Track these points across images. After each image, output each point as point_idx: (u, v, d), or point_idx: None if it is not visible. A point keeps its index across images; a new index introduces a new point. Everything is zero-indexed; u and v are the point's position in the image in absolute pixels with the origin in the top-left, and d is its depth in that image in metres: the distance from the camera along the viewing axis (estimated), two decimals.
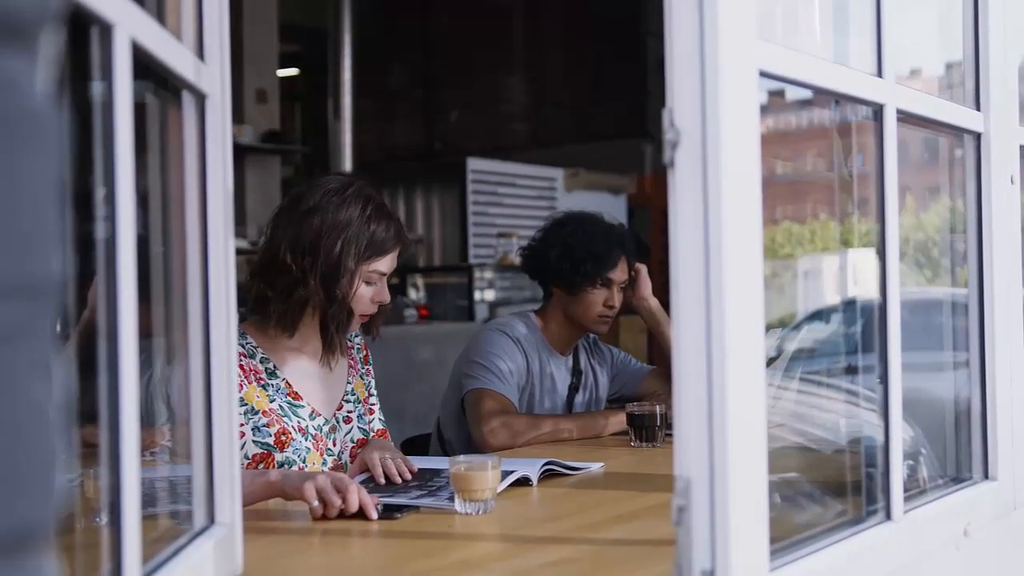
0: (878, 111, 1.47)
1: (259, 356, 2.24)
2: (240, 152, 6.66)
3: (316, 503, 1.81)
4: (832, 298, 2.33)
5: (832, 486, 1.66)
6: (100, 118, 0.94)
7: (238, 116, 6.48)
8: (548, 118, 9.13)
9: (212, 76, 1.31)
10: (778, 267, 1.64)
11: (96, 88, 0.94)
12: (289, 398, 2.24)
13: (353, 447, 2.33)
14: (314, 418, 2.26)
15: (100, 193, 0.93)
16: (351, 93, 7.88)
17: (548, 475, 2.15)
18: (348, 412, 2.35)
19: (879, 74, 1.46)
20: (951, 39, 1.82)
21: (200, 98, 1.29)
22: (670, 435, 2.44)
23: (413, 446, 3.02)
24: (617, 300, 2.92)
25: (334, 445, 2.29)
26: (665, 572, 1.18)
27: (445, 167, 8.04)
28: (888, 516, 1.46)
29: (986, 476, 1.77)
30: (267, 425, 2.18)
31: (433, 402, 3.43)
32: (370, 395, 2.44)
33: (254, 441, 2.16)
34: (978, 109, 1.77)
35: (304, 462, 2.20)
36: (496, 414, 2.71)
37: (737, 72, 1.12)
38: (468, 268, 7.05)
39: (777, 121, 1.52)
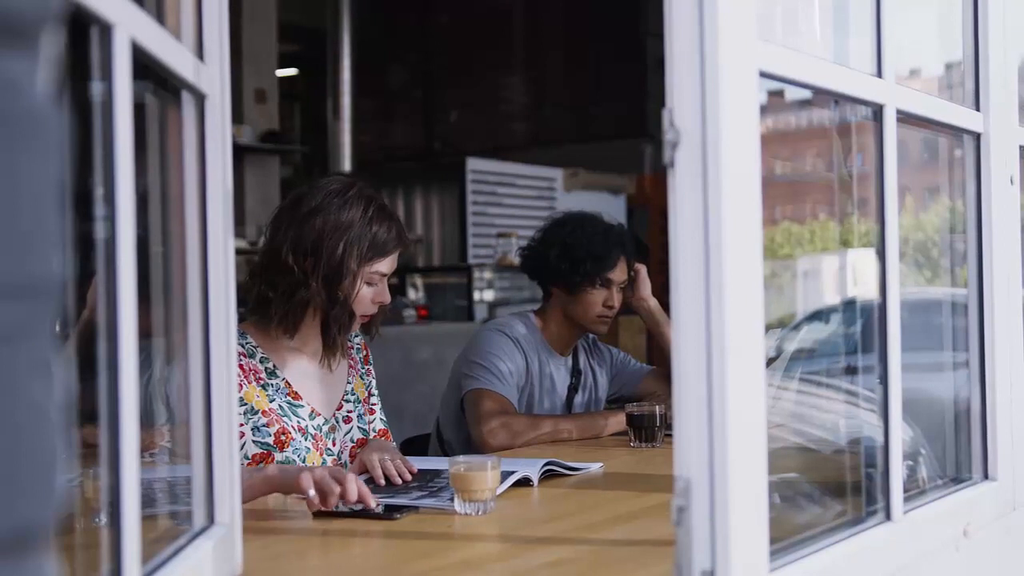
0: (878, 111, 1.47)
1: (259, 356, 2.24)
2: (239, 152, 6.66)
3: (312, 492, 1.81)
4: (832, 298, 2.33)
5: (832, 486, 1.66)
6: (100, 118, 0.94)
7: (237, 116, 6.48)
8: (548, 118, 9.14)
9: (211, 76, 1.31)
10: (778, 267, 1.64)
11: (96, 88, 0.94)
12: (289, 398, 2.24)
13: (353, 447, 2.33)
14: (314, 418, 2.26)
15: (100, 193, 0.93)
16: (350, 93, 7.88)
17: (548, 475, 2.15)
18: (348, 412, 2.35)
19: (879, 74, 1.46)
20: (951, 39, 1.82)
21: (200, 98, 1.29)
22: (670, 435, 2.44)
23: (412, 446, 3.02)
24: (616, 300, 2.92)
25: (334, 445, 2.29)
26: (665, 572, 1.18)
27: (444, 167, 8.05)
28: (888, 516, 1.46)
29: (986, 476, 1.77)
30: (267, 425, 2.18)
31: (432, 402, 3.43)
32: (371, 395, 2.44)
33: (254, 441, 2.16)
34: (978, 109, 1.77)
35: (304, 462, 2.20)
36: (495, 414, 2.71)
37: (737, 72, 1.12)
38: (467, 268, 7.05)
39: (777, 121, 1.52)
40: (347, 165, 7.83)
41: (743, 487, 1.11)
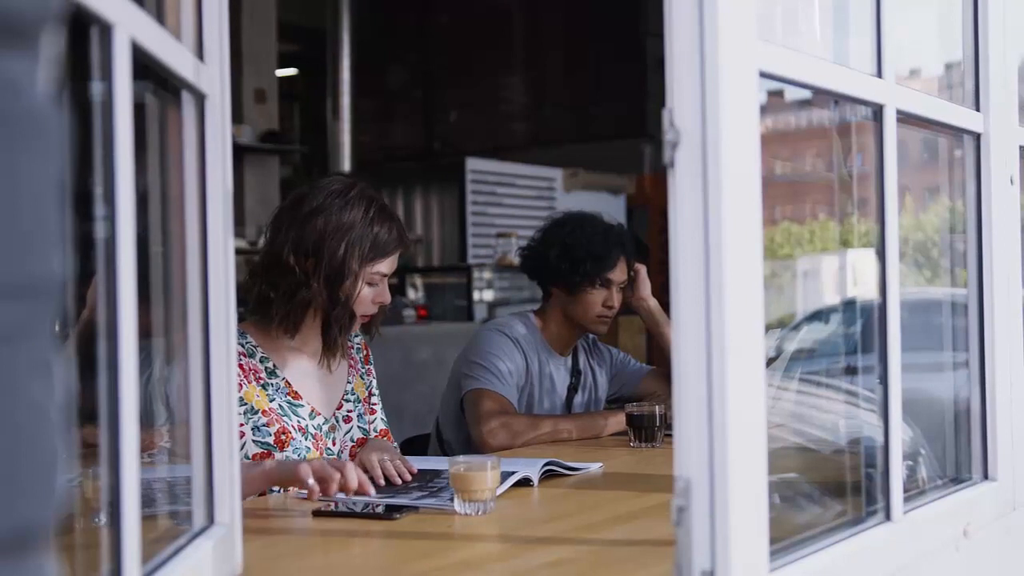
0: (878, 111, 1.47)
1: (259, 355, 2.24)
2: (239, 152, 6.66)
3: (312, 481, 1.81)
4: (832, 298, 2.33)
5: (832, 486, 1.66)
6: (100, 118, 0.94)
7: (237, 116, 6.48)
8: (548, 118, 9.13)
9: (211, 76, 1.30)
10: (777, 267, 1.64)
11: (96, 88, 0.94)
12: (289, 397, 2.24)
13: (353, 446, 2.33)
14: (314, 417, 2.26)
15: (100, 193, 0.93)
16: (350, 93, 7.88)
17: (548, 475, 2.15)
18: (348, 411, 2.35)
19: (879, 74, 1.46)
20: (951, 39, 1.82)
21: (199, 98, 1.28)
22: (669, 435, 2.44)
23: (412, 446, 3.02)
24: (616, 300, 2.92)
25: (334, 444, 2.29)
26: (665, 572, 1.18)
27: (444, 167, 8.05)
28: (888, 516, 1.46)
29: (986, 476, 1.77)
30: (267, 424, 2.18)
31: (432, 402, 3.43)
32: (371, 395, 2.45)
33: (254, 441, 2.16)
34: (978, 109, 1.77)
35: None
36: (495, 414, 2.71)
37: (737, 72, 1.12)
38: (467, 268, 7.05)
39: (777, 121, 1.52)
40: (347, 165, 7.83)
41: (743, 487, 1.11)
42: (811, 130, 1.76)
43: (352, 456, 2.30)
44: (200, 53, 1.28)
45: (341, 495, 1.94)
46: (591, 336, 3.08)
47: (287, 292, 2.20)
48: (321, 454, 2.24)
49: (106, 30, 0.93)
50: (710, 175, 1.10)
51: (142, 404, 0.99)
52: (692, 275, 1.10)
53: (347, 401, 2.36)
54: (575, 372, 3.04)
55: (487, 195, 7.53)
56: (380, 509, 1.84)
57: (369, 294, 2.25)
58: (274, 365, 2.25)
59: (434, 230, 7.87)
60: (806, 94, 1.47)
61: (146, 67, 1.08)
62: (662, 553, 1.40)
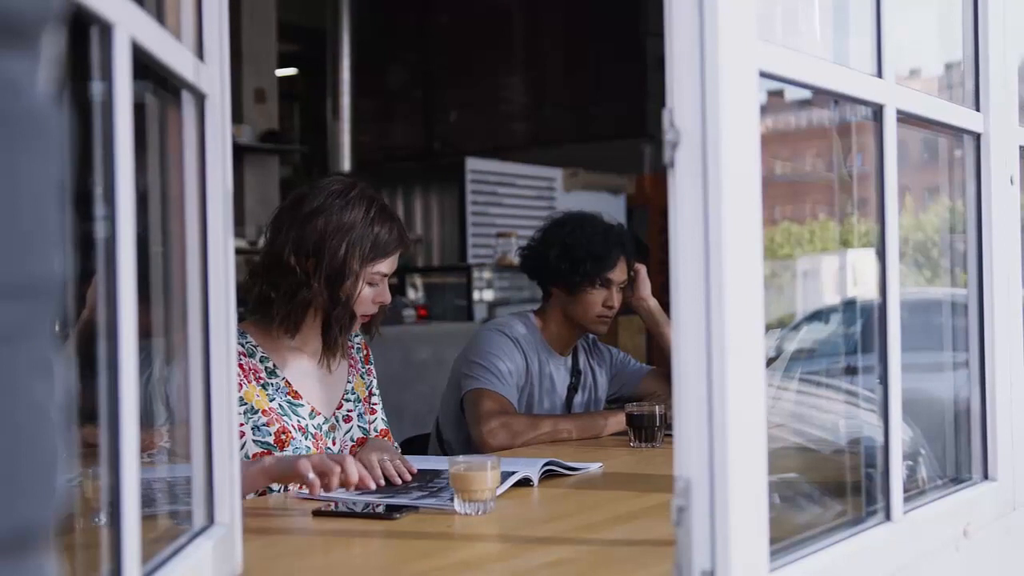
0: (878, 111, 1.47)
1: (259, 355, 2.24)
2: (239, 152, 6.66)
3: (312, 475, 1.81)
4: (831, 298, 2.33)
5: (832, 486, 1.66)
6: (100, 118, 0.94)
7: (237, 116, 6.48)
8: (548, 118, 9.13)
9: (211, 76, 1.30)
10: (777, 267, 1.64)
11: (96, 88, 0.94)
12: (289, 397, 2.24)
13: (353, 446, 2.33)
14: (314, 417, 2.26)
15: (100, 192, 0.93)
16: (350, 93, 7.88)
17: (548, 475, 2.15)
18: (348, 411, 2.36)
19: (879, 74, 1.46)
20: (951, 39, 1.82)
21: (200, 98, 1.28)
22: (670, 435, 2.44)
23: (412, 446, 3.02)
24: (616, 300, 2.92)
25: (334, 444, 2.29)
26: (665, 572, 1.18)
27: (444, 167, 8.04)
28: (888, 516, 1.46)
29: (986, 476, 1.77)
30: (267, 424, 2.18)
31: (432, 402, 3.43)
32: (371, 394, 2.45)
33: (254, 440, 2.16)
34: (978, 109, 1.77)
35: None
36: (495, 414, 2.71)
37: (737, 72, 1.12)
38: (467, 268, 7.05)
39: (777, 121, 1.52)
40: (347, 165, 7.83)
41: (743, 487, 1.11)
42: (811, 130, 1.76)
43: (352, 455, 2.30)
44: (200, 53, 1.28)
45: (341, 493, 1.94)
46: (591, 336, 3.08)
47: (288, 292, 2.20)
48: (321, 454, 2.24)
49: (106, 30, 0.93)
50: (710, 175, 1.10)
51: (142, 404, 0.99)
52: (692, 275, 1.10)
53: (347, 401, 2.36)
54: (575, 372, 3.04)
55: (487, 195, 7.53)
56: (380, 509, 1.84)
57: (369, 294, 2.26)
58: (274, 365, 2.25)
59: (434, 230, 7.87)
60: (806, 94, 1.47)
61: (146, 67, 1.08)
62: (662, 553, 1.40)
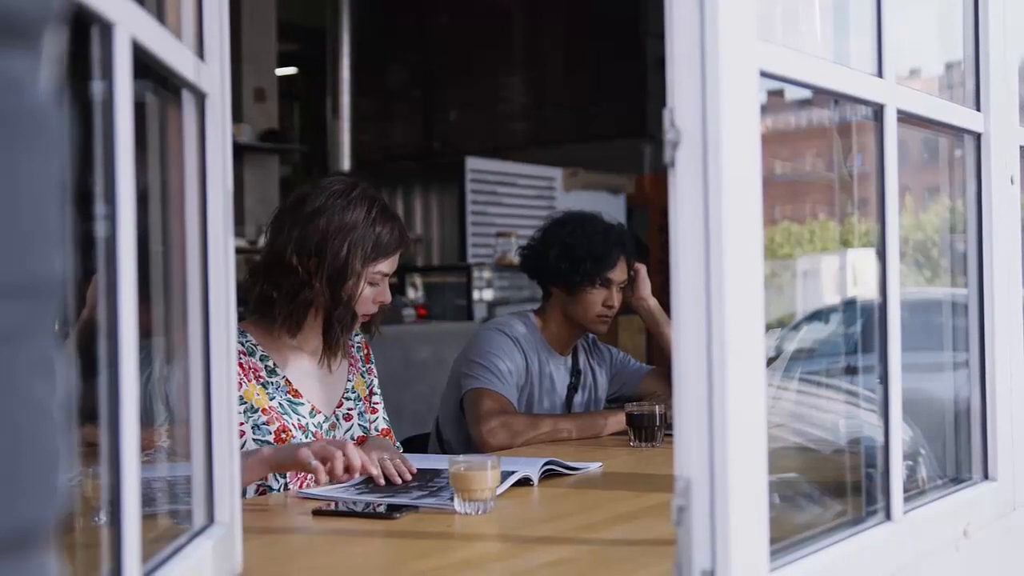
0: (878, 111, 1.46)
1: (259, 354, 2.24)
2: (239, 151, 6.66)
3: (315, 462, 1.82)
4: (832, 298, 2.33)
5: (832, 486, 1.66)
6: (100, 117, 0.94)
7: (237, 115, 6.48)
8: (548, 118, 9.13)
9: (212, 75, 1.30)
10: (777, 267, 1.64)
11: (96, 87, 0.94)
12: (289, 396, 2.24)
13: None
14: (314, 415, 2.26)
15: (100, 192, 0.93)
16: (350, 92, 7.88)
17: (548, 475, 2.15)
18: (348, 410, 2.36)
19: (879, 74, 1.46)
20: (951, 39, 1.82)
21: (200, 97, 1.28)
22: (670, 435, 2.44)
23: (412, 446, 3.02)
24: (616, 300, 2.92)
25: None
26: (665, 572, 1.18)
27: (444, 166, 8.05)
28: (888, 516, 1.46)
29: (986, 476, 1.77)
30: (267, 423, 2.18)
31: (432, 402, 3.43)
32: (372, 393, 2.45)
33: (254, 439, 2.16)
34: (978, 109, 1.77)
35: None
36: (495, 414, 2.71)
37: (737, 72, 1.12)
38: (467, 268, 7.05)
39: (777, 121, 1.52)
40: (346, 164, 7.83)
41: (743, 487, 1.11)
42: (811, 130, 1.76)
43: None
44: (200, 52, 1.28)
45: (341, 493, 1.94)
46: (591, 336, 3.09)
47: (290, 292, 2.20)
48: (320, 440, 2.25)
49: (107, 29, 0.93)
50: (710, 175, 1.10)
51: (142, 403, 0.99)
52: (692, 275, 1.10)
53: (347, 399, 2.36)
54: (575, 372, 3.04)
55: (487, 195, 7.53)
56: (380, 509, 1.84)
57: (370, 294, 2.26)
58: (274, 364, 2.25)
59: (434, 230, 7.87)
60: (806, 94, 1.47)
61: (146, 66, 1.08)
62: (662, 553, 1.40)
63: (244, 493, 2.06)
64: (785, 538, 1.25)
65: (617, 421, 2.76)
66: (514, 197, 7.63)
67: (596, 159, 8.04)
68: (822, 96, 1.52)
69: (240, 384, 2.16)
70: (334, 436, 2.30)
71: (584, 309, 2.91)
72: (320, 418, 2.27)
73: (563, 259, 2.88)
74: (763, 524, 1.15)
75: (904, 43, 1.59)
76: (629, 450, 2.57)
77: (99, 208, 0.93)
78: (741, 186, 1.12)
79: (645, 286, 3.02)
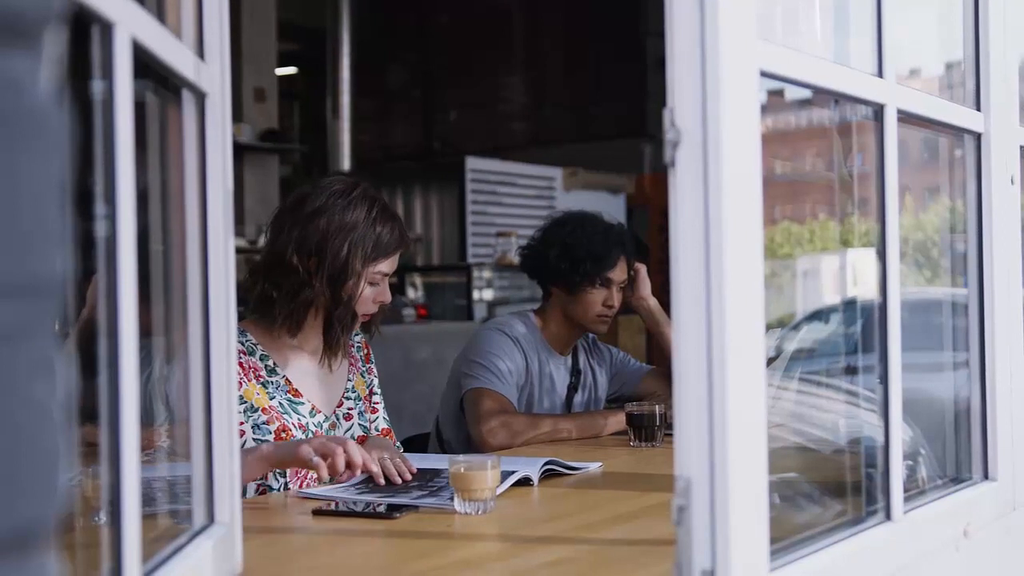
0: (878, 111, 1.46)
1: (259, 353, 2.24)
2: (239, 151, 6.66)
3: (316, 459, 1.82)
4: (832, 298, 2.33)
5: (832, 486, 1.66)
6: (101, 117, 0.94)
7: (237, 115, 6.48)
8: (548, 118, 9.14)
9: (212, 75, 1.30)
10: (777, 267, 1.64)
11: (97, 87, 0.94)
12: (289, 395, 2.24)
13: None
14: (314, 415, 2.26)
15: (100, 191, 0.93)
16: (349, 92, 7.88)
17: (548, 475, 2.15)
18: (348, 409, 2.36)
19: (879, 74, 1.46)
20: (951, 39, 1.82)
21: (200, 97, 1.28)
22: (670, 435, 2.44)
23: (412, 446, 3.02)
24: (616, 300, 2.92)
25: None
26: (665, 572, 1.18)
27: (444, 166, 8.05)
28: (888, 516, 1.46)
29: (986, 476, 1.77)
30: (267, 423, 2.18)
31: (431, 402, 3.43)
32: (372, 393, 2.45)
33: (254, 439, 2.16)
34: (978, 109, 1.77)
35: None
36: (495, 414, 2.71)
37: (737, 72, 1.12)
38: (467, 267, 7.05)
39: (777, 121, 1.52)
40: (346, 164, 7.83)
41: (743, 487, 1.11)
42: (811, 130, 1.76)
43: None
44: (200, 52, 1.28)
45: (341, 492, 1.94)
46: (591, 335, 3.09)
47: (290, 292, 2.20)
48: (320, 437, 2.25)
49: (107, 29, 0.93)
50: (710, 175, 1.10)
51: (142, 403, 0.99)
52: (692, 275, 1.10)
53: (347, 399, 2.36)
54: (575, 371, 3.04)
55: (487, 194, 7.53)
56: (380, 508, 1.84)
57: (370, 293, 2.26)
58: (274, 363, 2.25)
59: (434, 229, 7.87)
60: (806, 94, 1.47)
61: (147, 66, 1.08)
62: (662, 553, 1.40)
63: (244, 492, 2.06)
64: (785, 538, 1.25)
65: (617, 421, 2.76)
66: (514, 197, 7.63)
67: (596, 159, 8.04)
68: (822, 96, 1.52)
69: (240, 383, 2.16)
70: (334, 435, 2.30)
71: (584, 309, 2.91)
72: (320, 418, 2.28)
73: (563, 259, 2.88)
74: (763, 524, 1.15)
75: (904, 43, 1.59)
76: (629, 450, 2.57)
77: (99, 208, 0.93)
78: (741, 186, 1.12)
79: (645, 286, 3.02)
